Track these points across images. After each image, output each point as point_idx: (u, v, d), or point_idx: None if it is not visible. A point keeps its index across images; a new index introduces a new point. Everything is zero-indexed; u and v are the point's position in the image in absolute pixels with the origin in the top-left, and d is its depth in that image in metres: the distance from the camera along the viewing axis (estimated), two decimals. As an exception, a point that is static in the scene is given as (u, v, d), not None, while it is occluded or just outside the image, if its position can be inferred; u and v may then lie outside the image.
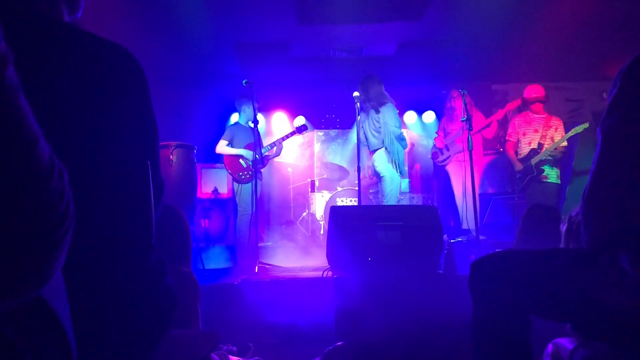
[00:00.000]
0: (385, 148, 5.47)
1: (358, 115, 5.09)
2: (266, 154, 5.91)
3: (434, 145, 6.44)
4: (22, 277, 0.56)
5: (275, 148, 5.94)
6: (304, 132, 6.23)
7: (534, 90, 5.89)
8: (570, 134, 5.54)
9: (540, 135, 5.75)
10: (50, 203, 0.57)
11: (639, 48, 1.30)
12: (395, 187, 5.54)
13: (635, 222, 1.25)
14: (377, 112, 5.49)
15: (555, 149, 5.61)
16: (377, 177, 5.66)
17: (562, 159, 5.84)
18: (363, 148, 5.70)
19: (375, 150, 5.58)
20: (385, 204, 5.51)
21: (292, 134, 6.07)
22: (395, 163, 5.47)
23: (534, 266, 1.48)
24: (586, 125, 5.45)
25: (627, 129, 1.26)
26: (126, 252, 1.11)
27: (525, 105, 6.02)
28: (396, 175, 5.51)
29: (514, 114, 6.07)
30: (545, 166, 5.68)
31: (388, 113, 5.49)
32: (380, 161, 5.53)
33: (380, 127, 5.47)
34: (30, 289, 0.58)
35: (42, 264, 0.57)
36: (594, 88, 7.90)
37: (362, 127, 5.68)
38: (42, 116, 0.59)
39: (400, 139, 5.54)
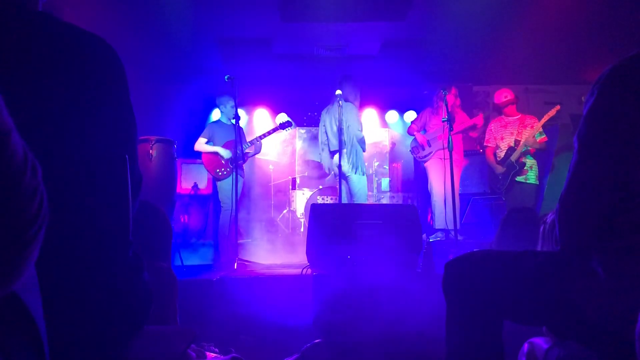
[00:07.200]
0: (346, 150, 5.42)
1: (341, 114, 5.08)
2: (245, 151, 5.87)
3: (414, 139, 6.26)
4: None
5: (253, 146, 5.90)
6: (287, 128, 6.20)
7: (503, 95, 5.96)
8: (544, 120, 5.63)
9: (516, 136, 5.80)
10: (23, 200, 0.55)
11: (618, 53, 1.32)
12: (363, 186, 5.55)
13: (608, 227, 1.28)
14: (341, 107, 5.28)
15: (534, 142, 5.66)
16: (343, 177, 5.44)
17: (542, 154, 5.90)
18: (324, 148, 5.69)
19: (336, 152, 5.41)
20: (355, 202, 5.50)
21: (275, 130, 6.04)
22: (354, 165, 5.46)
23: (506, 268, 1.49)
24: (557, 107, 5.60)
25: (603, 138, 1.28)
26: (103, 247, 1.09)
27: (498, 111, 6.08)
28: (361, 174, 5.53)
29: (490, 118, 6.09)
30: (525, 157, 5.72)
31: (351, 115, 5.46)
32: (344, 162, 5.39)
33: (342, 129, 5.31)
34: (1, 286, 0.56)
35: (13, 263, 0.55)
36: (572, 91, 8.03)
37: (324, 126, 5.67)
38: (16, 109, 0.58)
39: (363, 142, 5.54)
